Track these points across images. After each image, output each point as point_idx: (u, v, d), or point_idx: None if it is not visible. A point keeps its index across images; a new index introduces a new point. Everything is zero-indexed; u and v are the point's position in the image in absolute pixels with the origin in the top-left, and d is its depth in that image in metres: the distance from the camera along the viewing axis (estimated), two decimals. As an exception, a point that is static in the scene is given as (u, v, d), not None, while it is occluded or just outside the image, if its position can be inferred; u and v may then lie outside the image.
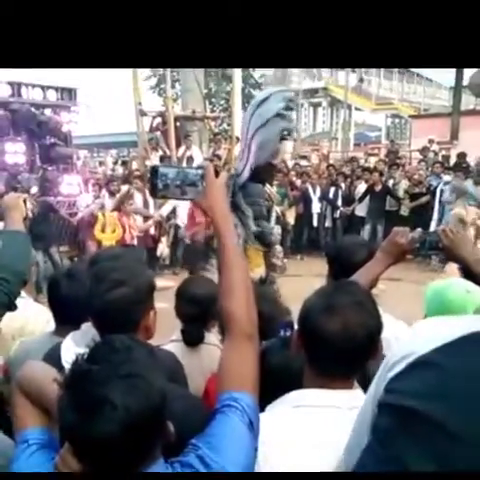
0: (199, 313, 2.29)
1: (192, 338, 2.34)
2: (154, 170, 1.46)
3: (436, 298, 2.04)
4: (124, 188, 8.92)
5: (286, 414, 1.36)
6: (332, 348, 1.33)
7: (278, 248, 5.89)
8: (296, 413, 1.35)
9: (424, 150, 13.65)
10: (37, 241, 7.15)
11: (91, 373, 1.01)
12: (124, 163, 13.17)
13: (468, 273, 1.87)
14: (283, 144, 6.58)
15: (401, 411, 0.84)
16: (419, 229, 1.92)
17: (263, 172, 5.76)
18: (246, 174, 5.70)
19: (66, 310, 2.10)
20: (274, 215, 6.13)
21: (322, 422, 1.30)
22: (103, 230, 8.52)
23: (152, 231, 9.65)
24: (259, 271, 5.84)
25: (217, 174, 1.46)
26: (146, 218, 9.45)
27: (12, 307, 1.89)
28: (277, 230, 5.83)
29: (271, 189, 5.89)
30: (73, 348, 1.70)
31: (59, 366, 1.47)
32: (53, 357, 1.73)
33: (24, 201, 2.10)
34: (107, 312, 1.47)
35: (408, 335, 0.91)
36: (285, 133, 5.62)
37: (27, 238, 2.04)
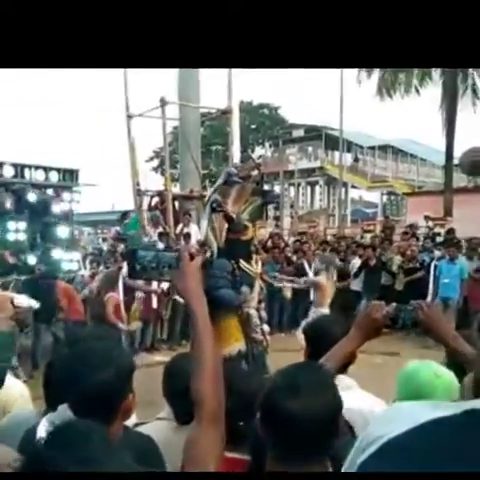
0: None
1: (184, 415, 2.28)
2: (132, 253, 1.57)
3: (406, 382, 2.00)
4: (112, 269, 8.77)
5: None
6: (294, 430, 1.32)
7: (256, 322, 5.93)
8: None
9: (411, 227, 13.92)
10: (40, 314, 7.15)
11: (46, 459, 0.99)
12: (123, 240, 13.41)
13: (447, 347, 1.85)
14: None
15: None
16: (394, 304, 1.90)
17: (228, 249, 5.95)
18: (215, 254, 5.96)
19: (54, 394, 2.06)
20: (257, 289, 6.21)
21: None
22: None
23: (154, 305, 9.66)
24: (238, 345, 5.86)
25: (192, 258, 1.56)
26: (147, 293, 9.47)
27: None
28: (248, 294, 5.89)
29: (246, 265, 6.02)
30: (47, 428, 1.72)
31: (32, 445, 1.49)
32: (30, 437, 1.73)
33: (11, 301, 2.05)
34: (85, 397, 1.48)
35: (379, 419, 0.94)
36: (214, 205, 5.92)
37: (8, 337, 2.03)
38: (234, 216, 6.01)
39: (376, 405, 2.35)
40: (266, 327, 6.37)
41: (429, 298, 9.95)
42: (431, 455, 0.75)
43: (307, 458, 1.35)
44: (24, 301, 2.07)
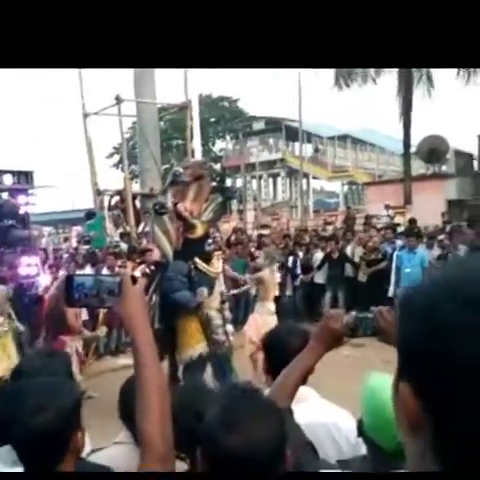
0: None
1: None
2: (69, 280, 1.45)
3: (369, 401, 1.92)
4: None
5: None
6: (235, 466, 1.25)
7: (216, 323, 5.89)
8: None
9: (368, 218, 14.10)
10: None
11: None
12: (87, 242, 13.13)
13: None
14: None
15: None
16: (353, 312, 1.81)
17: (183, 251, 5.91)
18: (170, 256, 5.95)
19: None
20: (217, 288, 6.16)
21: None
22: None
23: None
24: (199, 347, 5.83)
25: (134, 281, 1.44)
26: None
27: None
28: (205, 295, 5.86)
29: (204, 264, 5.96)
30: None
31: None
32: None
33: None
34: (29, 441, 1.40)
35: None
36: (157, 208, 5.95)
37: None
38: (186, 215, 5.93)
39: (340, 417, 2.31)
40: (230, 327, 6.32)
41: (391, 288, 10.07)
42: None
43: None
44: None
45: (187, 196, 6.09)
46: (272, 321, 7.09)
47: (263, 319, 7.18)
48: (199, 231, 6.00)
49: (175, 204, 5.93)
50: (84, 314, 8.18)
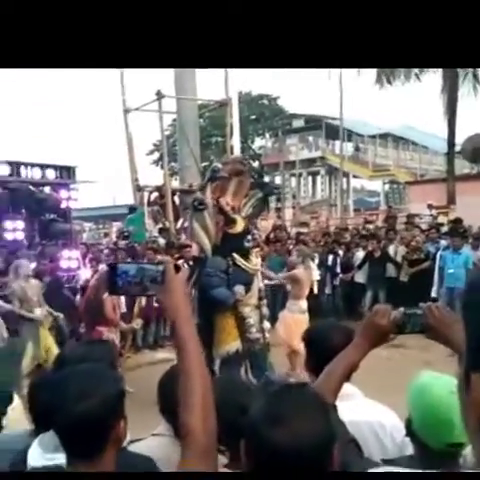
0: None
1: None
2: (113, 267, 1.44)
3: (418, 399, 1.85)
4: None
5: None
6: (280, 462, 1.20)
7: (249, 322, 5.85)
8: None
9: (409, 217, 13.80)
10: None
11: None
12: (126, 237, 13.29)
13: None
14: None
15: None
16: (401, 309, 1.73)
17: (222, 246, 5.88)
18: (209, 252, 5.93)
19: (40, 417, 2.00)
20: (255, 284, 6.11)
21: None
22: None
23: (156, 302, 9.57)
24: (235, 344, 5.82)
25: (178, 270, 1.42)
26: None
27: None
28: (242, 293, 5.81)
29: (242, 261, 5.92)
30: (41, 454, 1.63)
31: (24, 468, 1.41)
32: (20, 461, 1.67)
33: None
34: (72, 428, 1.39)
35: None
36: (196, 204, 5.91)
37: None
38: (228, 209, 5.90)
39: (385, 415, 2.23)
40: (267, 324, 6.28)
41: (434, 288, 9.86)
42: None
43: None
44: None
45: (227, 191, 6.07)
46: (303, 320, 7.04)
47: (294, 317, 7.13)
48: (239, 226, 5.97)
49: (217, 199, 5.91)
50: (122, 306, 8.25)
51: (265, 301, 6.39)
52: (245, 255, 6.02)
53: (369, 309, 10.13)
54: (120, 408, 1.48)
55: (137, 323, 7.88)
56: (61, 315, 7.76)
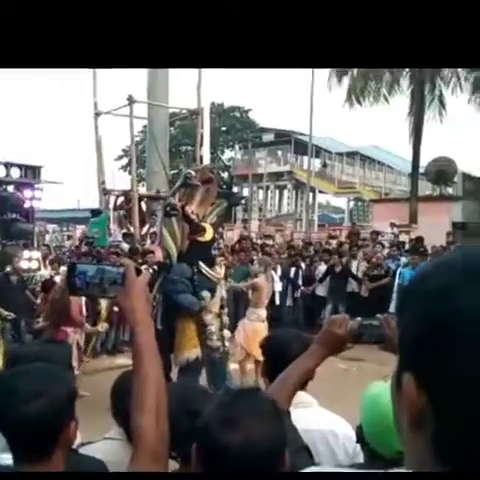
0: None
1: None
2: (71, 267, 1.40)
3: (370, 408, 1.88)
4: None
5: None
6: (233, 464, 1.21)
7: (210, 329, 5.87)
8: None
9: (373, 234, 14.05)
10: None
11: None
12: (89, 243, 13.08)
13: None
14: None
15: None
16: (358, 318, 1.76)
17: (188, 253, 5.91)
18: (174, 258, 5.95)
19: None
20: (218, 293, 6.14)
21: None
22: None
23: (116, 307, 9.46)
24: (196, 351, 5.83)
25: (139, 273, 1.38)
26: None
27: None
28: (208, 300, 5.85)
29: (207, 269, 5.95)
30: None
31: None
32: None
33: None
34: (20, 428, 1.36)
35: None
36: (168, 209, 5.96)
37: None
38: (193, 217, 5.93)
39: (338, 425, 2.27)
40: (227, 333, 6.30)
41: (393, 304, 10.05)
42: None
43: None
44: None
45: (194, 199, 6.09)
46: (262, 328, 7.08)
47: (253, 326, 7.16)
48: (208, 235, 6.00)
49: (183, 206, 5.92)
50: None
51: (226, 310, 6.41)
52: (211, 263, 6.04)
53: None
54: (71, 409, 1.46)
55: (102, 326, 7.79)
56: (12, 315, 7.60)
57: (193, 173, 6.13)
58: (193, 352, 5.82)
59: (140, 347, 1.32)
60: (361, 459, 2.02)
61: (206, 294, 5.80)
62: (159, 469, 1.25)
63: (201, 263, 5.88)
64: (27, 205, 10.65)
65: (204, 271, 5.90)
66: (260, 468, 1.22)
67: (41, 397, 1.36)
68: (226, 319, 6.29)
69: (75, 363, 6.44)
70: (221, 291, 6.28)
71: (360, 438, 1.94)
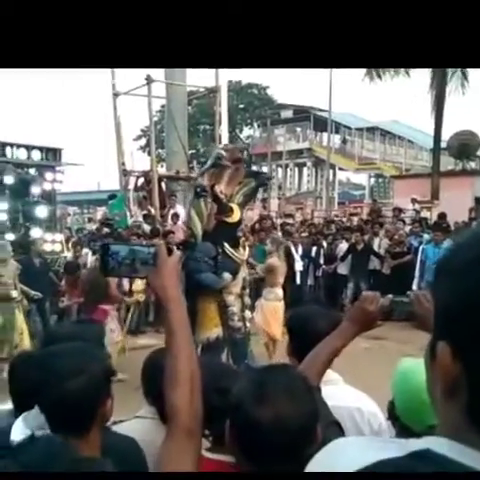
0: None
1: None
2: (105, 248, 1.42)
3: (402, 384, 1.88)
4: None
5: None
6: (265, 440, 1.23)
7: (232, 310, 5.90)
8: None
9: (395, 211, 13.89)
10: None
11: None
12: (109, 225, 13.17)
13: None
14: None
15: None
16: (390, 296, 1.77)
17: (214, 234, 5.93)
18: (199, 237, 5.97)
19: (22, 396, 1.93)
20: (240, 274, 6.15)
21: None
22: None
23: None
24: (217, 331, 5.87)
25: (170, 252, 1.40)
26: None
27: None
28: (230, 280, 5.85)
29: (231, 250, 5.96)
30: (23, 430, 1.63)
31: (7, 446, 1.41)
32: (3, 439, 1.66)
33: None
34: (59, 405, 1.39)
35: (321, 459, 0.83)
36: (198, 190, 5.96)
37: None
38: (222, 197, 5.93)
39: (364, 402, 2.28)
40: (248, 313, 6.32)
41: (415, 281, 9.98)
42: None
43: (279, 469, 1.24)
44: None
45: (222, 179, 6.08)
46: (280, 307, 7.09)
47: (270, 305, 7.17)
48: (236, 216, 6.00)
49: (212, 186, 5.93)
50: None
51: (247, 291, 6.44)
52: (235, 245, 6.06)
53: (350, 300, 10.28)
54: (108, 386, 1.49)
55: (141, 296, 8.08)
56: (40, 295, 7.73)
57: (224, 153, 6.11)
58: (214, 332, 5.86)
59: (173, 324, 1.33)
60: (385, 435, 2.03)
61: (227, 275, 5.82)
62: (192, 447, 1.27)
63: (226, 244, 5.89)
64: (49, 187, 10.73)
65: (228, 252, 5.91)
66: (293, 443, 1.24)
67: (81, 374, 1.39)
68: (247, 300, 6.32)
69: (120, 337, 6.71)
70: (243, 272, 6.30)
71: (392, 414, 1.94)
